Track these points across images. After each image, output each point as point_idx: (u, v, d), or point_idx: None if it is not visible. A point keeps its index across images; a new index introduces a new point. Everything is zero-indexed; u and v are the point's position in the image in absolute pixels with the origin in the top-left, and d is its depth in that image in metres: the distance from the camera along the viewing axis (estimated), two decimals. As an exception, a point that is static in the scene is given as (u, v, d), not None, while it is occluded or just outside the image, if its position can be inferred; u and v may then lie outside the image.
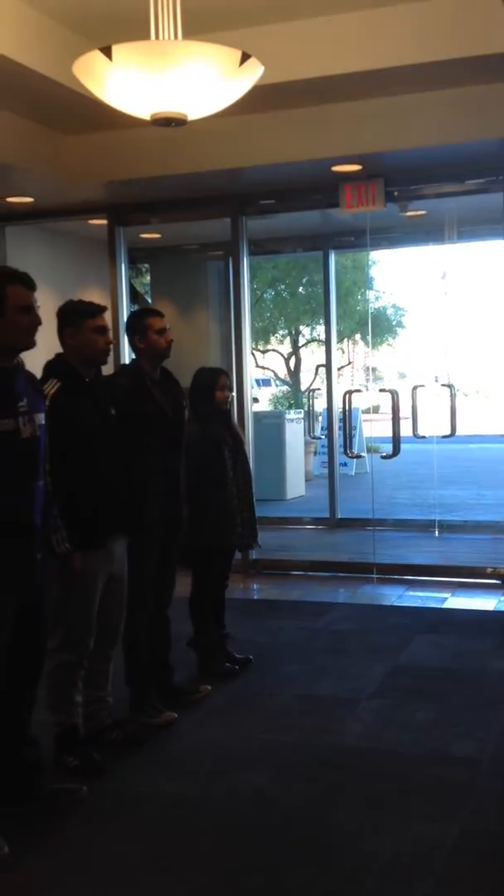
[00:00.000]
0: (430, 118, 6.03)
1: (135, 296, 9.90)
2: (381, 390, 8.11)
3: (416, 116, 6.04)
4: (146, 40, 3.51)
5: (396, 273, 26.91)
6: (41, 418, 3.24)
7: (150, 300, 10.50)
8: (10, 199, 7.46)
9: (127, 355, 6.94)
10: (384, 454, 7.94)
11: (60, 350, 3.79)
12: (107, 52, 3.38)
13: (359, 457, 10.90)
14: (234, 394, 5.08)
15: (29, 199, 7.48)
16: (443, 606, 6.37)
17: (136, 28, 3.87)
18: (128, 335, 4.38)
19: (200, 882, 2.94)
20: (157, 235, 8.78)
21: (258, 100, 4.51)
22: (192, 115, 3.70)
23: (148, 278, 11.15)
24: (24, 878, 2.98)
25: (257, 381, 20.20)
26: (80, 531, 3.59)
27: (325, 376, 9.67)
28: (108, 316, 3.88)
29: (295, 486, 11.59)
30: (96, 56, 3.43)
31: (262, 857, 3.09)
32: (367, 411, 13.57)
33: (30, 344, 3.18)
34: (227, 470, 4.85)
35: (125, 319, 7.33)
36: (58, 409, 3.53)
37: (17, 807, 3.37)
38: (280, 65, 5.16)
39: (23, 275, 3.19)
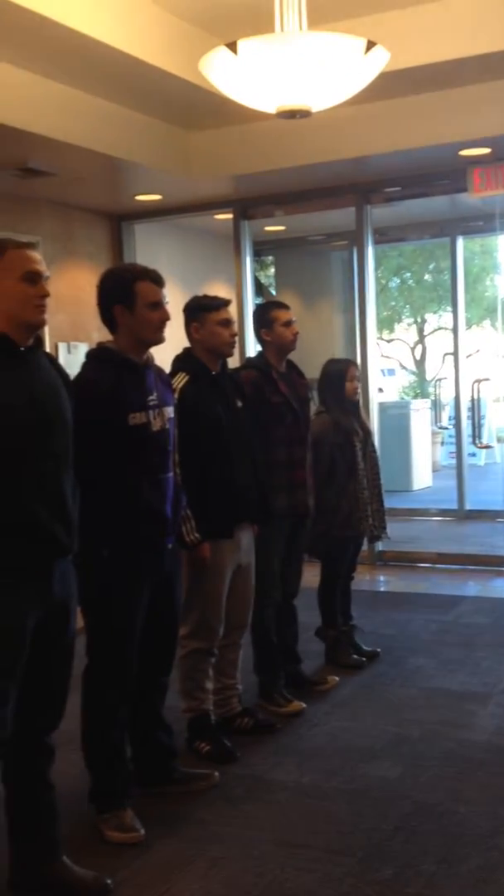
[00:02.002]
0: None
1: (259, 288, 9.96)
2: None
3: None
4: (271, 34, 3.52)
5: (527, 257, 26.06)
6: (170, 411, 3.31)
7: (274, 292, 10.54)
8: (138, 198, 7.63)
9: (252, 348, 7.00)
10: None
11: (188, 344, 3.85)
12: (232, 47, 3.41)
13: (488, 447, 10.66)
14: (360, 384, 5.04)
15: (157, 197, 7.62)
16: None
17: (261, 21, 3.89)
18: (254, 328, 4.42)
19: (329, 872, 2.95)
20: (281, 228, 8.80)
21: (382, 87, 4.45)
22: (318, 106, 3.68)
23: (272, 270, 11.19)
24: (158, 860, 3.06)
25: (382, 371, 20.00)
26: (209, 521, 3.65)
27: (452, 365, 9.49)
28: (232, 309, 3.92)
29: (422, 476, 11.42)
30: (222, 52, 3.46)
31: (392, 850, 3.08)
32: (496, 400, 13.24)
33: (159, 339, 3.25)
34: (357, 462, 4.83)
35: (250, 312, 7.47)
36: (186, 401, 3.60)
37: (152, 790, 3.46)
38: (405, 50, 5.08)
39: (152, 271, 3.26)
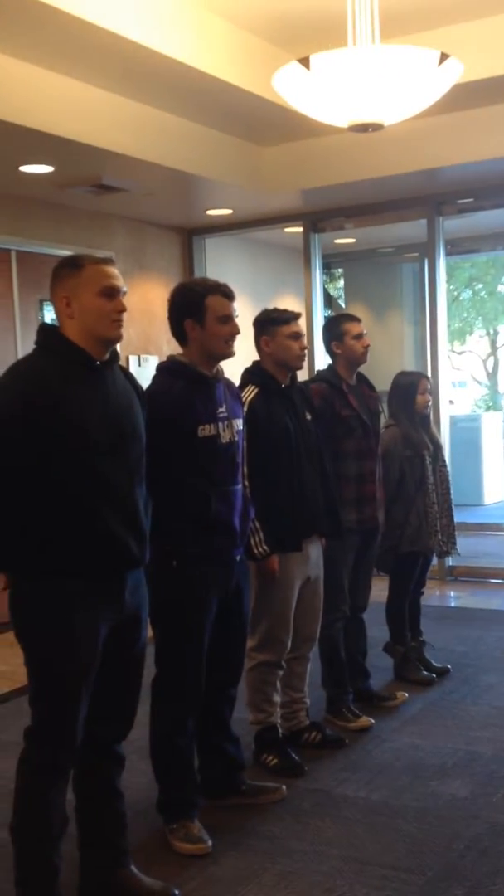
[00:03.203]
0: None
1: (329, 301, 9.96)
2: None
3: None
4: (343, 48, 3.53)
5: None
6: (239, 423, 3.33)
7: (343, 305, 10.52)
8: (209, 212, 7.71)
9: (321, 361, 7.00)
10: None
11: (257, 357, 3.87)
12: (305, 62, 3.42)
13: None
14: (431, 397, 5.00)
15: (228, 211, 7.69)
16: None
17: (334, 35, 3.90)
18: (324, 341, 4.41)
19: (398, 889, 2.91)
20: (351, 240, 8.79)
21: (454, 98, 4.42)
22: (390, 120, 3.67)
23: (341, 283, 11.18)
24: (225, 873, 3.06)
25: (453, 383, 19.77)
26: (277, 534, 3.65)
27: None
28: (302, 322, 3.93)
29: (494, 490, 11.26)
30: (294, 67, 3.48)
31: (463, 869, 3.02)
32: None
33: (228, 353, 3.27)
34: (427, 476, 4.79)
35: (320, 325, 7.47)
36: (255, 414, 3.62)
37: (219, 802, 3.47)
38: (478, 62, 5.05)
39: (222, 285, 3.28)
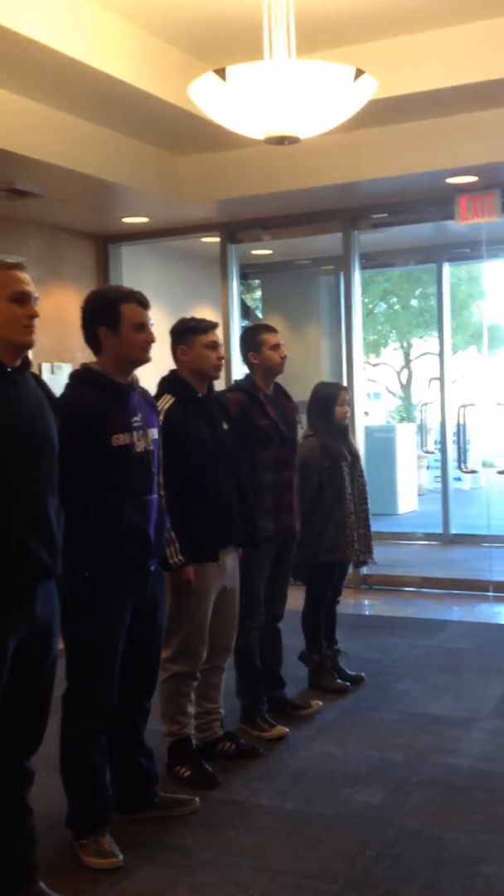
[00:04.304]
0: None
1: (246, 312, 10.00)
2: (498, 404, 7.93)
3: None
4: (260, 61, 3.55)
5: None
6: (155, 433, 3.31)
7: (260, 315, 10.58)
8: (126, 220, 7.66)
9: (239, 371, 7.02)
10: (500, 469, 7.77)
11: (174, 367, 3.86)
12: (221, 73, 3.43)
13: (473, 471, 10.70)
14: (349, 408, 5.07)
15: (144, 220, 7.66)
16: None
17: (250, 49, 3.92)
18: (241, 351, 4.42)
19: (312, 899, 2.92)
20: (268, 252, 8.85)
21: (370, 114, 4.49)
22: (306, 133, 3.71)
23: (259, 293, 11.24)
24: (137, 887, 3.02)
25: (368, 395, 20.06)
26: (193, 544, 3.64)
27: (438, 389, 9.53)
28: (219, 332, 3.93)
29: (407, 500, 11.44)
30: (210, 78, 3.48)
31: (375, 876, 3.05)
32: (481, 425, 13.29)
33: (144, 360, 3.25)
34: (345, 486, 4.84)
35: (237, 335, 7.50)
36: (171, 423, 3.60)
37: (132, 815, 3.42)
38: (394, 79, 5.14)
39: (137, 293, 3.27)
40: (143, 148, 6.57)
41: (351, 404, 7.35)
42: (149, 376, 3.48)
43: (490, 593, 7.08)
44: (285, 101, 3.44)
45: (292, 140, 3.70)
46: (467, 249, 8.92)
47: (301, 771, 3.91)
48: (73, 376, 3.28)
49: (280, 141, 3.71)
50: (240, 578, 3.98)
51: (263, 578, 4.25)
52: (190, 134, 6.15)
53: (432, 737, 4.23)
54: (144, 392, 3.39)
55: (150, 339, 3.23)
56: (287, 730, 4.28)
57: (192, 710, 3.84)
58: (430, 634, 6.01)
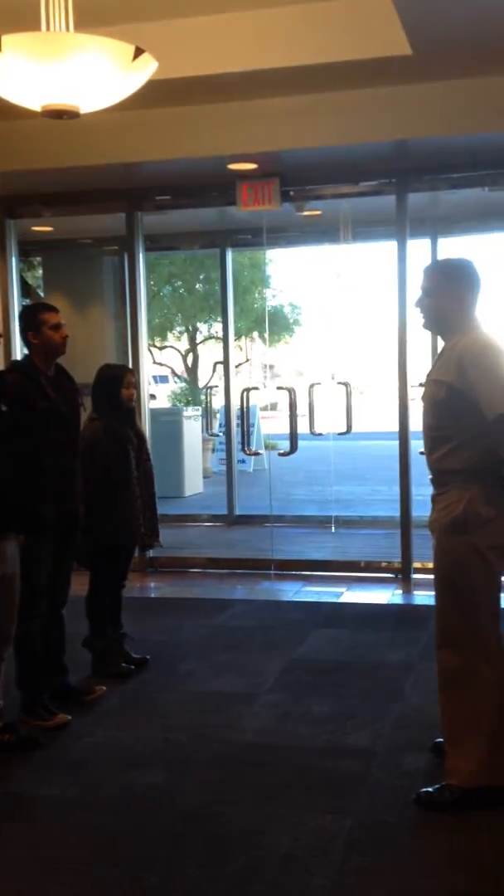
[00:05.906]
0: (325, 119, 6.08)
1: (26, 290, 9.71)
2: (279, 388, 8.16)
3: (312, 117, 6.09)
4: (37, 31, 3.44)
5: (293, 272, 27.06)
6: None
7: (42, 294, 10.31)
8: None
9: (19, 351, 6.81)
10: (282, 451, 8.01)
11: None
12: (-5, 41, 3.29)
13: (257, 454, 10.98)
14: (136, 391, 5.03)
15: None
16: (339, 601, 6.46)
17: (27, 22, 3.78)
18: (21, 330, 4.29)
19: (94, 884, 2.90)
20: (49, 228, 8.62)
21: (154, 95, 4.46)
22: (85, 108, 3.63)
23: (40, 272, 10.95)
24: None
25: (154, 378, 20.09)
26: (-30, 531, 3.51)
27: (222, 373, 9.68)
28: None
29: (193, 483, 11.58)
30: (-14, 46, 3.33)
31: (158, 856, 3.07)
32: (264, 408, 13.65)
33: None
34: (131, 469, 4.80)
35: (16, 314, 7.25)
36: None
37: None
38: (175, 61, 5.11)
39: None
40: None
41: (137, 387, 7.35)
42: None
43: (272, 571, 7.29)
44: (63, 72, 3.36)
45: (71, 114, 3.61)
46: (249, 236, 9.09)
47: (84, 758, 3.87)
48: None
49: (58, 114, 3.60)
50: (20, 565, 3.87)
51: (45, 565, 4.15)
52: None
53: (215, 715, 4.31)
54: None
55: None
56: (70, 717, 4.22)
57: (-31, 702, 3.71)
58: (214, 614, 6.11)
